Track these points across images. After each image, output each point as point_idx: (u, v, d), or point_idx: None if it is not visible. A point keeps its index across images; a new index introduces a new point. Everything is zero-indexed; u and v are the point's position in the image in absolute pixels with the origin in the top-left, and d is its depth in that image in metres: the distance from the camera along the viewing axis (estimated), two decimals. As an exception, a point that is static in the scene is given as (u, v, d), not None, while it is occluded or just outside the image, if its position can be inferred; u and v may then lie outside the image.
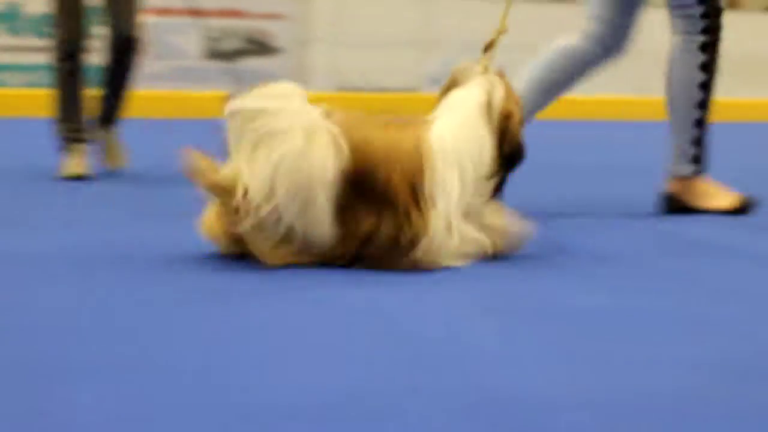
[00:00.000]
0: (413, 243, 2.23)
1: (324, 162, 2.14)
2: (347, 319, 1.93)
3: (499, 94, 2.39)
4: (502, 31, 2.58)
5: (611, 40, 3.31)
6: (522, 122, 2.50)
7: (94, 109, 4.13)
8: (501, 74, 2.49)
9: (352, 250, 2.22)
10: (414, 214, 2.22)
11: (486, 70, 2.47)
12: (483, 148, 2.33)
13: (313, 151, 2.13)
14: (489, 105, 2.36)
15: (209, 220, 2.25)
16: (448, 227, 2.27)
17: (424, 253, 2.25)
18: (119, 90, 4.15)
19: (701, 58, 3.26)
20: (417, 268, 2.24)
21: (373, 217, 2.21)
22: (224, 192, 2.12)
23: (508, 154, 2.39)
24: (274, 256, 2.19)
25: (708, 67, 3.27)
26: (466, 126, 2.33)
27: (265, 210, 2.10)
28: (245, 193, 2.08)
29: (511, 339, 1.82)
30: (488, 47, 2.55)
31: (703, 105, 3.27)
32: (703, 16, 3.23)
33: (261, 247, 2.18)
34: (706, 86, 3.27)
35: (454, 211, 2.28)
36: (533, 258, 2.52)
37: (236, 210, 2.10)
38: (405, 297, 2.10)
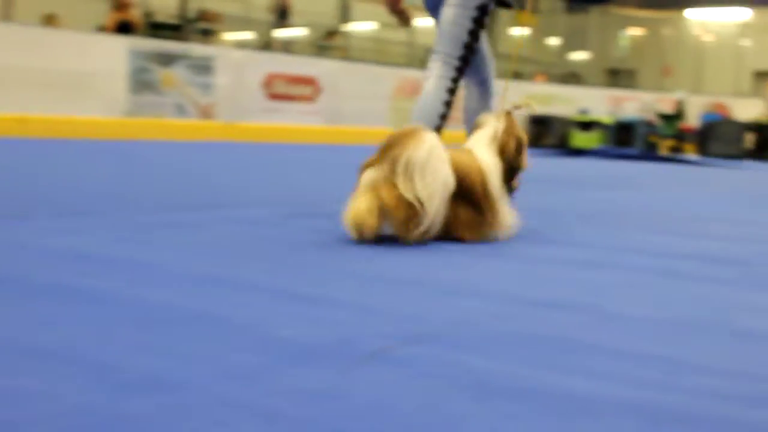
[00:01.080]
0: (491, 224, 3.36)
1: (450, 180, 3.19)
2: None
3: (500, 130, 3.51)
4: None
5: None
6: (517, 148, 3.51)
7: None
8: (508, 114, 3.56)
9: (457, 230, 3.30)
10: (487, 206, 3.34)
11: (499, 116, 3.56)
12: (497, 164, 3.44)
13: (445, 174, 3.17)
14: (494, 138, 3.49)
15: (359, 213, 3.10)
16: (507, 214, 3.42)
17: (499, 229, 3.39)
18: None
19: (446, 96, 4.10)
20: (493, 238, 3.38)
21: (467, 208, 3.30)
22: (407, 206, 3.08)
23: (508, 168, 3.48)
24: (414, 237, 3.15)
25: (448, 104, 4.11)
26: (485, 151, 3.45)
27: (430, 216, 3.11)
28: (422, 206, 3.08)
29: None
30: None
31: (438, 130, 4.02)
32: (458, 66, 4.11)
33: (406, 232, 3.14)
34: (443, 117, 4.10)
35: (504, 203, 3.42)
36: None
37: (415, 215, 3.09)
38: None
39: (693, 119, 20.50)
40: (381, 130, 17.03)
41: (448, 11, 4.17)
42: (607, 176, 9.12)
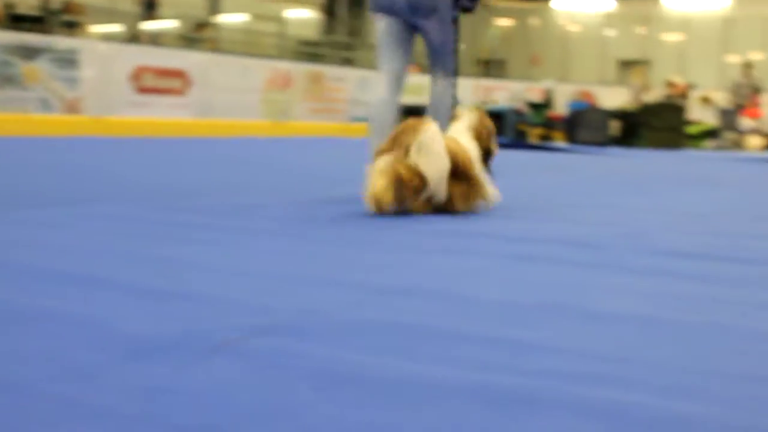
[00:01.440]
0: (479, 195, 4.13)
1: (447, 161, 3.90)
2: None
3: (473, 120, 4.27)
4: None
5: None
6: (488, 135, 4.30)
7: None
8: (479, 110, 4.39)
9: (451, 202, 4.00)
10: (474, 182, 4.09)
11: (471, 111, 4.34)
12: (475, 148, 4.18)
13: (444, 155, 3.90)
14: (469, 127, 4.24)
15: (379, 190, 3.77)
16: (489, 187, 4.19)
17: (484, 200, 4.17)
18: None
19: (453, 101, 5.03)
20: (480, 208, 4.17)
21: (460, 184, 4.02)
22: (415, 176, 3.79)
23: (483, 152, 4.26)
24: (420, 208, 3.92)
25: (455, 105, 5.01)
26: (465, 137, 4.17)
27: (431, 188, 3.85)
28: (425, 179, 3.81)
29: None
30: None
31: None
32: (454, 72, 5.07)
33: (416, 205, 3.90)
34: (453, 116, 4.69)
35: (486, 179, 4.19)
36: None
37: (423, 185, 3.82)
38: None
39: (561, 108, 20.91)
40: (253, 123, 16.91)
41: (433, 36, 4.95)
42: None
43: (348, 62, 22.80)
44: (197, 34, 19.13)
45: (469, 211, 4.05)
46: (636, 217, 4.17)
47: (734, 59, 28.33)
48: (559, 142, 18.51)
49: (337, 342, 1.66)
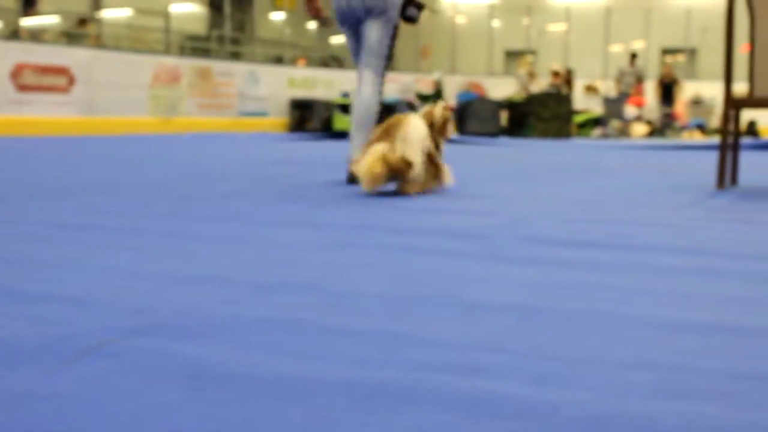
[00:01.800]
0: (444, 175, 4.91)
1: (426, 149, 4.67)
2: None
3: (434, 111, 5.00)
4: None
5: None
6: (444, 122, 4.99)
7: None
8: (439, 103, 5.13)
9: (426, 183, 4.79)
10: (438, 166, 4.87)
11: (433, 104, 5.09)
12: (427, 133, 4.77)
13: (427, 142, 4.68)
14: (426, 114, 4.96)
15: (372, 165, 4.45)
16: (447, 169, 4.96)
17: (448, 179, 4.93)
18: None
19: (379, 97, 5.51)
20: (445, 186, 4.99)
21: (430, 168, 4.77)
22: (404, 163, 4.50)
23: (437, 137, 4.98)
24: (409, 189, 4.66)
25: (379, 102, 5.53)
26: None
27: (418, 170, 4.56)
28: (412, 164, 4.51)
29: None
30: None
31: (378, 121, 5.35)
32: (383, 73, 5.53)
33: (407, 186, 4.65)
34: (378, 113, 5.47)
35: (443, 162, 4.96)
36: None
37: (409, 169, 4.51)
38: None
39: (450, 99, 21.08)
40: (141, 120, 16.63)
41: (373, 32, 5.48)
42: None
43: (236, 57, 22.62)
44: (80, 30, 18.72)
45: (436, 190, 4.93)
46: (521, 207, 4.21)
47: (617, 49, 28.97)
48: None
49: (211, 340, 1.63)
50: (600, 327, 1.78)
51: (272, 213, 3.76)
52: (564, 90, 19.69)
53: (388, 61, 5.57)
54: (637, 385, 1.39)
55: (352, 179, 5.28)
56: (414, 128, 4.57)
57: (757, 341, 1.69)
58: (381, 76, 5.50)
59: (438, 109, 5.00)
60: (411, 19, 5.64)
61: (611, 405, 1.29)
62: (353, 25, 5.60)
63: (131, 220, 3.46)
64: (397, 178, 4.58)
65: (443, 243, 2.93)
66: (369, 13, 5.48)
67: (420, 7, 5.64)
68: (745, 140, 14.69)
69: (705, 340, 1.69)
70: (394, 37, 5.57)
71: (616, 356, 1.56)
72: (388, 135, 4.53)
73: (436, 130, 4.95)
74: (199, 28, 25.57)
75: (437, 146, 4.92)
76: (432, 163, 4.77)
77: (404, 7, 5.58)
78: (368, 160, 4.46)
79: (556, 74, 20.46)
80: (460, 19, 31.28)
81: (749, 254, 2.81)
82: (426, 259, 2.61)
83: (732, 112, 5.56)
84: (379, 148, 4.46)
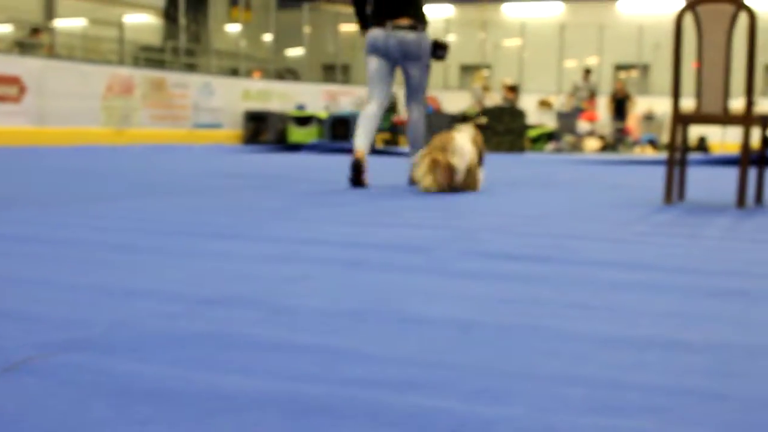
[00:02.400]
0: (475, 185, 6.31)
1: (473, 154, 6.23)
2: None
3: (471, 133, 6.39)
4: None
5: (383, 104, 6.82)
6: (481, 143, 6.47)
7: None
8: (474, 127, 6.52)
9: (466, 185, 6.17)
10: (475, 173, 6.28)
11: (470, 127, 6.49)
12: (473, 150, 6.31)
13: (469, 156, 6.20)
14: (470, 135, 6.36)
15: (422, 174, 6.05)
16: (482, 176, 6.47)
17: (479, 184, 6.35)
18: None
19: (424, 119, 6.97)
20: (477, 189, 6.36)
21: (469, 176, 6.20)
22: (451, 168, 6.02)
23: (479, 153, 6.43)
24: (445, 188, 6.06)
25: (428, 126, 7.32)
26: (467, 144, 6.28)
27: (459, 176, 6.08)
28: (456, 168, 6.04)
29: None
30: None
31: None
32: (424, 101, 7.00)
33: (445, 186, 6.06)
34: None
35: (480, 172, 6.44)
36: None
37: (453, 173, 6.02)
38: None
39: (405, 112, 21.07)
40: (94, 131, 16.49)
41: (415, 73, 6.88)
42: (318, 170, 9.20)
43: (190, 68, 22.50)
44: (32, 40, 18.52)
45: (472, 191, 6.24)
46: (468, 220, 4.22)
47: (571, 64, 29.19)
48: (406, 147, 18.68)
49: (144, 356, 1.61)
50: (537, 341, 1.78)
51: (218, 226, 3.74)
52: (513, 103, 19.80)
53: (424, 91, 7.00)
54: (570, 401, 1.39)
55: (412, 182, 6.76)
56: (460, 144, 6.12)
57: (692, 356, 1.70)
58: (423, 104, 6.96)
59: (479, 134, 6.55)
60: (440, 58, 6.96)
61: (542, 421, 1.29)
62: (383, 57, 6.84)
63: (73, 232, 3.42)
64: (445, 179, 6.04)
65: (388, 256, 2.92)
66: (405, 57, 6.80)
67: (446, 47, 6.99)
68: (695, 156, 14.86)
69: (640, 355, 1.70)
70: (428, 73, 6.95)
71: (551, 371, 1.57)
72: (439, 146, 6.07)
73: (478, 149, 6.40)
74: (154, 38, 25.42)
75: (480, 160, 6.44)
76: (471, 172, 6.22)
77: (434, 49, 6.93)
78: (423, 170, 6.06)
79: (508, 89, 20.58)
80: (416, 33, 31.34)
81: (690, 269, 2.83)
82: (369, 273, 2.60)
83: (680, 128, 5.61)
84: (433, 158, 6.02)
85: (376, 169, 9.60)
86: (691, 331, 1.92)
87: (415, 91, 6.91)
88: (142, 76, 18.26)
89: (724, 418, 1.33)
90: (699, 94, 5.39)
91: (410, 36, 6.75)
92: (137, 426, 1.24)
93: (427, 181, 6.01)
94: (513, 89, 20.73)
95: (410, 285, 2.42)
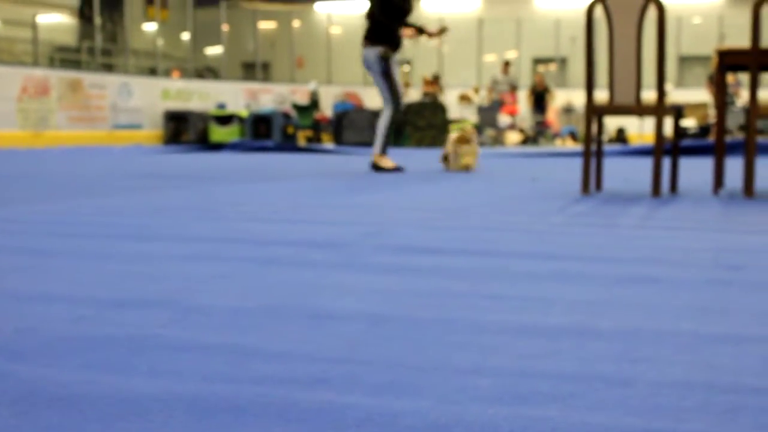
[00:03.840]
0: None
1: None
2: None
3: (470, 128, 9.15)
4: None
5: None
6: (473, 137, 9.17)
7: None
8: (471, 125, 9.44)
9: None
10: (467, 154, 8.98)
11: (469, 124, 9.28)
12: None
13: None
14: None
15: (444, 160, 9.03)
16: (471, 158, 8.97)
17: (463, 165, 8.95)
18: None
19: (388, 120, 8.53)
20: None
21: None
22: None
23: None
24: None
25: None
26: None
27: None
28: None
29: None
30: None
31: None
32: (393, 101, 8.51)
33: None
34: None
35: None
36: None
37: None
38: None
39: (327, 109, 21.08)
40: (9, 133, 16.18)
41: (376, 81, 8.58)
42: (239, 169, 9.14)
43: (108, 68, 22.20)
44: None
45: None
46: (385, 215, 4.23)
47: (491, 58, 29.42)
48: (328, 144, 18.66)
49: (49, 361, 1.58)
50: (447, 334, 1.79)
51: (135, 227, 3.69)
52: (435, 97, 19.89)
53: (393, 93, 8.50)
54: (478, 392, 1.40)
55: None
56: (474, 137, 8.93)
57: (602, 343, 1.72)
58: (388, 106, 8.51)
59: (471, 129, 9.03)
60: (384, 67, 8.39)
61: (449, 412, 1.29)
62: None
63: (-16, 238, 3.35)
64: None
65: (301, 253, 2.91)
66: (368, 69, 8.61)
67: (386, 58, 8.40)
68: (613, 147, 15.07)
69: (552, 344, 1.71)
70: (387, 76, 8.45)
71: (460, 363, 1.57)
72: (465, 140, 8.87)
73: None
74: (69, 39, 25.03)
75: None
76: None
77: (379, 60, 8.39)
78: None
79: (428, 82, 20.66)
80: (335, 30, 31.34)
81: (604, 257, 2.87)
82: (282, 270, 2.59)
83: (594, 119, 5.69)
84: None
85: (298, 167, 9.58)
86: (602, 318, 1.94)
87: (381, 95, 8.58)
88: (57, 77, 17.98)
89: (630, 403, 1.34)
90: (611, 86, 5.46)
91: (365, 52, 8.52)
92: (41, 432, 1.21)
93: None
94: (435, 80, 20.82)
95: (322, 281, 2.41)
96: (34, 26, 20.39)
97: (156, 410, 1.30)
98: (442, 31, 9.18)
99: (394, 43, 8.53)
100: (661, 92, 5.45)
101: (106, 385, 1.42)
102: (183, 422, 1.25)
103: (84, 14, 24.44)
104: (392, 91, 8.50)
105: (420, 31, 8.81)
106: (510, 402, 1.35)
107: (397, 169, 8.50)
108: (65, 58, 22.52)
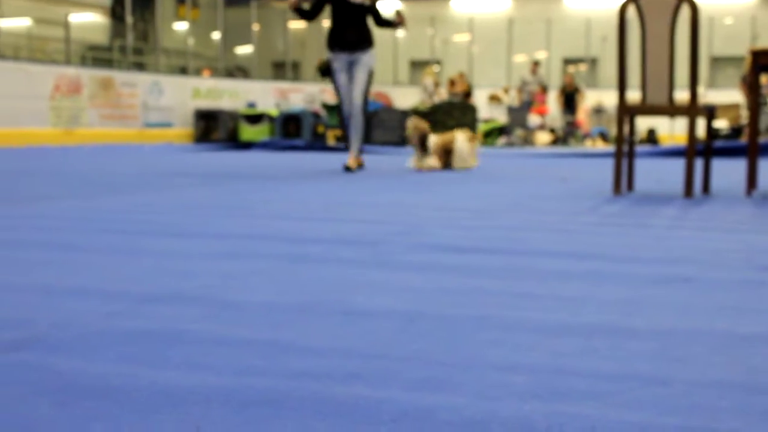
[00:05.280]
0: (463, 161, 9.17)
1: (460, 141, 9.13)
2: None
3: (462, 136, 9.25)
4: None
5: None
6: (473, 140, 9.49)
7: None
8: (468, 131, 9.62)
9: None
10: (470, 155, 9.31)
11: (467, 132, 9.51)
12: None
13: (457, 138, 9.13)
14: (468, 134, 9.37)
15: (417, 160, 8.96)
16: (474, 158, 9.35)
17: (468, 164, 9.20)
18: None
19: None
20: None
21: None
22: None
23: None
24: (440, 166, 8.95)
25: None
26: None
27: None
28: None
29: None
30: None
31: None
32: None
33: (437, 167, 8.89)
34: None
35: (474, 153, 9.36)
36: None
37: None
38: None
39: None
40: (41, 131, 16.30)
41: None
42: (269, 167, 9.16)
43: (139, 67, 22.32)
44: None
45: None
46: (416, 214, 4.23)
47: (521, 59, 29.34)
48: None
49: (88, 354, 1.59)
50: (480, 331, 1.79)
51: (164, 224, 3.70)
52: (460, 97, 19.85)
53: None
54: (514, 388, 1.40)
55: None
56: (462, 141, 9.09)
57: (637, 342, 1.72)
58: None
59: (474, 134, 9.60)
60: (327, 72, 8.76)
61: (485, 408, 1.29)
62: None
63: (20, 233, 3.38)
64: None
65: (334, 251, 2.92)
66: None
67: (326, 66, 8.79)
68: (645, 147, 14.99)
69: (586, 342, 1.71)
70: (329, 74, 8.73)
71: (495, 360, 1.57)
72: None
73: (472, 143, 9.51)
74: (101, 38, 25.19)
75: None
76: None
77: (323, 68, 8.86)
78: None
79: (450, 82, 20.63)
80: (366, 30, 31.36)
81: (636, 257, 2.85)
82: (314, 267, 2.59)
83: (626, 119, 5.66)
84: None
85: (329, 166, 9.59)
86: (635, 317, 1.94)
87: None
88: (89, 75, 18.09)
89: (667, 402, 1.34)
90: (644, 86, 5.44)
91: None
92: (81, 422, 1.23)
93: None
94: (452, 82, 20.75)
95: (355, 278, 2.41)
96: (66, 25, 20.53)
97: (192, 402, 1.31)
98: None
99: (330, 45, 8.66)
100: (694, 92, 5.41)
101: (143, 378, 1.43)
102: (221, 415, 1.26)
103: (116, 13, 24.60)
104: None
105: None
106: (546, 399, 1.35)
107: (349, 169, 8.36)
108: (97, 56, 22.66)
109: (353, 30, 8.48)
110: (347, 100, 8.50)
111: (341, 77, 8.51)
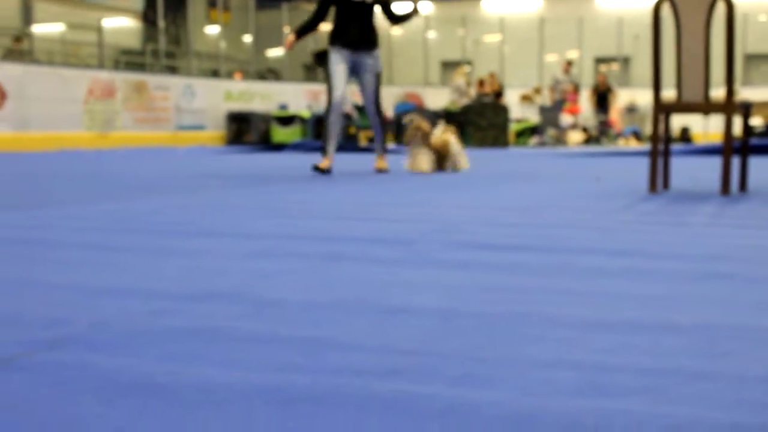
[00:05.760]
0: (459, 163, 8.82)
1: (454, 144, 8.75)
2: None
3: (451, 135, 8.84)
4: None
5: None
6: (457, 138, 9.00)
7: None
8: (450, 129, 9.04)
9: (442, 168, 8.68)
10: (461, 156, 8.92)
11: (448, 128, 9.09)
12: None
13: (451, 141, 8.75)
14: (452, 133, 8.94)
15: (412, 162, 8.54)
16: (465, 159, 8.93)
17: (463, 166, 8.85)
18: None
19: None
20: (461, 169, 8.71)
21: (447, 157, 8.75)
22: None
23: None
24: (433, 170, 8.50)
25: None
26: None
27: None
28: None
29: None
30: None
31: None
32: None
33: (430, 170, 8.48)
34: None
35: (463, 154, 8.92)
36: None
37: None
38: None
39: (388, 110, 21.09)
40: (76, 135, 16.43)
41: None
42: (302, 169, 9.18)
43: (171, 70, 22.45)
44: (15, 47, 18.41)
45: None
46: (451, 213, 4.22)
47: (552, 58, 29.24)
48: (390, 144, 18.66)
49: (129, 352, 1.59)
50: (521, 328, 1.78)
51: (199, 224, 3.72)
52: (491, 98, 19.79)
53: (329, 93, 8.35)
54: (558, 384, 1.39)
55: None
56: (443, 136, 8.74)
57: (679, 337, 1.70)
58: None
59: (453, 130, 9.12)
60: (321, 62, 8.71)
61: (532, 404, 1.28)
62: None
63: (56, 234, 3.40)
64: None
65: (370, 250, 2.91)
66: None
67: (323, 60, 8.59)
68: (679, 146, 14.89)
69: (628, 338, 1.69)
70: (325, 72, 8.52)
71: (537, 356, 1.56)
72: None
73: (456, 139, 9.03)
74: (134, 42, 25.36)
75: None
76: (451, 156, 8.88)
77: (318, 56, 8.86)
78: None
79: (481, 83, 20.58)
80: (396, 31, 31.39)
81: (676, 254, 2.83)
82: (350, 265, 2.59)
83: (662, 117, 5.62)
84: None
85: (361, 167, 9.60)
86: (677, 313, 1.92)
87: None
88: (123, 79, 18.22)
89: (714, 397, 1.32)
90: (679, 84, 5.40)
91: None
92: (125, 419, 1.23)
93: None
94: (481, 83, 20.69)
95: (391, 276, 2.40)
96: (99, 30, 20.69)
97: (234, 400, 1.31)
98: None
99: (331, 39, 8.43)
100: (731, 89, 5.36)
101: (185, 376, 1.43)
102: (263, 411, 1.25)
103: (148, 18, 24.75)
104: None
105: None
106: (591, 395, 1.33)
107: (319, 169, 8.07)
108: (130, 60, 22.82)
109: (357, 28, 8.31)
110: (339, 90, 8.17)
111: (338, 67, 8.24)
